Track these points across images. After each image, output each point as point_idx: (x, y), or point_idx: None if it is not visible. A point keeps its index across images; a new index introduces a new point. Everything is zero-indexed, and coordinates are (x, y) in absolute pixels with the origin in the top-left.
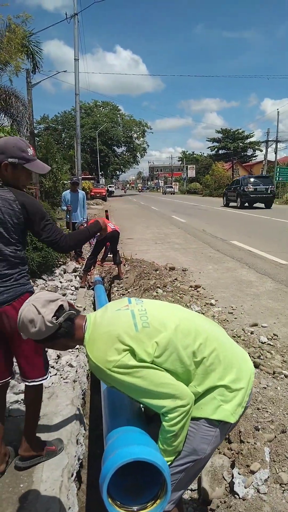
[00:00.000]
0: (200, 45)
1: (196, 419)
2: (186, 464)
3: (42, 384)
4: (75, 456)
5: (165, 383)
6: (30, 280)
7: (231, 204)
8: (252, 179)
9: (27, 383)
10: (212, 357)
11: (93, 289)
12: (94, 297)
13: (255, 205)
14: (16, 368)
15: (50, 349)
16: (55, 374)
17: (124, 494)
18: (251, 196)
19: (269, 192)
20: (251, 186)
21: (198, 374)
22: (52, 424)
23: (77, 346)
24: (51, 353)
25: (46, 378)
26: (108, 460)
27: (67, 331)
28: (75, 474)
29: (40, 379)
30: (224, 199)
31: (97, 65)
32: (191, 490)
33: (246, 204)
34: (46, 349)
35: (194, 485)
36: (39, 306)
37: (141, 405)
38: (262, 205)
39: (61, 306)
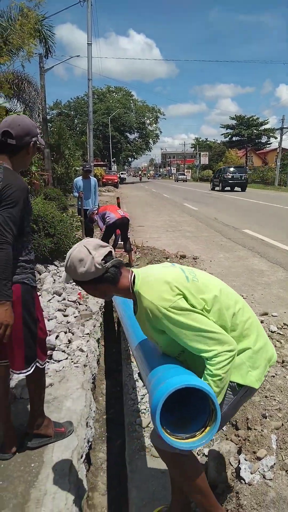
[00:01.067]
0: (215, 29)
1: None
2: None
3: (37, 373)
4: (85, 438)
5: (214, 328)
6: (31, 272)
7: (216, 188)
8: (231, 169)
9: (12, 373)
10: (248, 323)
11: None
12: None
13: (235, 189)
14: None
15: (90, 295)
16: (66, 359)
17: (172, 428)
18: (229, 182)
19: (243, 179)
20: (229, 174)
21: (234, 337)
22: (63, 407)
23: (87, 332)
24: (62, 338)
25: (26, 372)
26: (159, 389)
27: (113, 277)
28: (84, 456)
29: (18, 372)
30: (211, 185)
31: (110, 49)
32: None
33: (228, 188)
34: (35, 342)
35: None
36: (90, 248)
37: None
38: (239, 189)
39: (110, 252)
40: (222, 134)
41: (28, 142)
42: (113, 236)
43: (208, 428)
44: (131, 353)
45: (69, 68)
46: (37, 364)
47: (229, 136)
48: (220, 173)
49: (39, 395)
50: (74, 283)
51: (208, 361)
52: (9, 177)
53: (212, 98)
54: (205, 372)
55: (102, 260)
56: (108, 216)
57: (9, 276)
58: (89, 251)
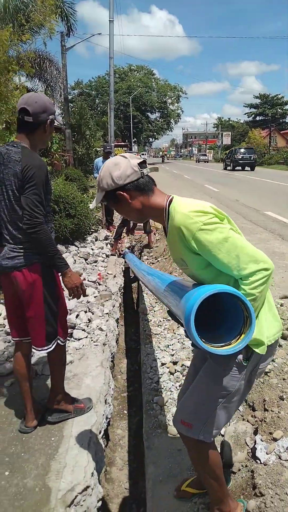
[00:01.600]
0: (240, 4)
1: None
2: (216, 401)
3: (58, 349)
4: (103, 415)
5: (250, 246)
6: None
7: (227, 168)
8: (241, 150)
9: (34, 349)
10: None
11: (123, 257)
12: (125, 265)
13: (245, 168)
14: None
15: (123, 214)
16: (86, 337)
17: (206, 338)
18: (239, 161)
19: (252, 159)
20: (240, 155)
21: None
22: (82, 384)
23: (106, 312)
24: (83, 317)
25: (47, 349)
26: (193, 297)
27: (147, 184)
28: (103, 432)
29: (39, 349)
30: (223, 164)
31: (132, 27)
32: None
33: (238, 168)
34: (57, 319)
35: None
36: (127, 155)
37: None
38: (249, 168)
39: (145, 161)
40: (245, 114)
41: (45, 120)
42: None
43: (243, 335)
44: (149, 319)
45: (90, 46)
46: (58, 341)
47: (253, 115)
48: (231, 153)
49: (59, 372)
50: (105, 203)
51: (242, 281)
52: (27, 157)
53: (235, 76)
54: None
55: (138, 164)
56: None
57: (57, 250)
58: (125, 156)
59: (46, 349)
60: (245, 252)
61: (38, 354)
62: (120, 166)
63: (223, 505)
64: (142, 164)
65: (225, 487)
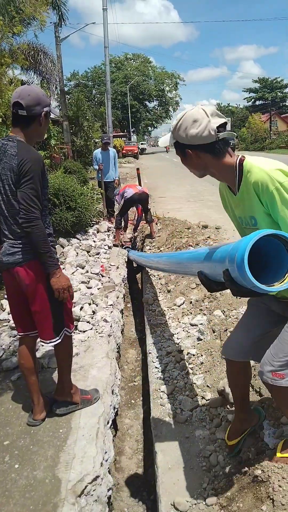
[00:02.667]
0: None
1: None
2: None
3: (66, 341)
4: (111, 405)
5: None
6: (51, 245)
7: None
8: None
9: (41, 342)
10: None
11: (127, 250)
12: (128, 258)
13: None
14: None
15: (186, 164)
16: (91, 329)
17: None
18: None
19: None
20: None
21: None
22: (88, 375)
23: (110, 304)
24: (87, 309)
25: (55, 342)
26: (243, 243)
27: (219, 150)
28: (110, 422)
29: (48, 342)
30: None
31: (126, 15)
32: (222, 439)
33: None
34: (63, 311)
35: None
36: (208, 111)
37: None
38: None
39: (225, 124)
40: (244, 99)
41: (39, 112)
42: (136, 216)
43: None
44: (154, 309)
45: (85, 36)
46: (66, 332)
47: (252, 100)
48: None
49: (67, 363)
50: (172, 146)
51: None
52: (23, 151)
53: (233, 61)
54: None
55: (218, 127)
56: (126, 192)
57: (49, 248)
58: (207, 114)
59: (55, 341)
60: None
61: (44, 347)
62: (199, 124)
63: None
64: (222, 127)
65: None
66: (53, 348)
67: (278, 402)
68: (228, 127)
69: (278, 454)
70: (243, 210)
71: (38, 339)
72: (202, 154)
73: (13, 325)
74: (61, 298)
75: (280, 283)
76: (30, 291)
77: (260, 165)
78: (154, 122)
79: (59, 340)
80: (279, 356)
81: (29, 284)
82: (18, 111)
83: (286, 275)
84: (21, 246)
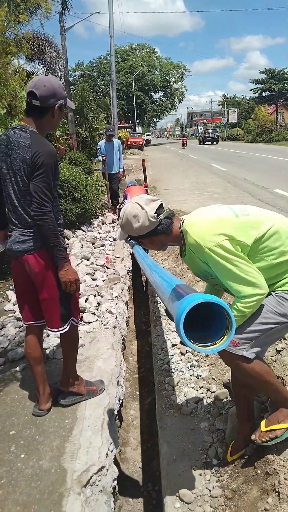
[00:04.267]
0: None
1: None
2: (274, 324)
3: (72, 330)
4: (116, 396)
5: (251, 273)
6: (60, 235)
7: (201, 143)
8: (209, 130)
9: (49, 331)
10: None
11: (132, 247)
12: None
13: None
14: None
15: (148, 248)
16: (96, 320)
17: (196, 340)
18: (207, 138)
19: (215, 136)
20: (207, 134)
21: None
22: (94, 366)
23: (116, 295)
24: (92, 301)
25: (62, 330)
26: (183, 303)
27: (165, 227)
28: (116, 413)
29: (55, 330)
30: (199, 141)
31: (131, 4)
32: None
33: (208, 143)
34: (70, 300)
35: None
36: (142, 203)
37: None
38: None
39: (161, 205)
40: (251, 90)
41: (53, 104)
42: None
43: (225, 336)
44: (157, 297)
45: (90, 26)
46: (72, 321)
47: (259, 91)
48: (203, 133)
49: (72, 354)
50: (129, 239)
51: (238, 297)
52: (36, 143)
53: (240, 52)
54: (233, 305)
55: (154, 213)
56: (126, 200)
57: (59, 241)
58: (142, 206)
59: (62, 330)
60: (245, 276)
61: (49, 338)
62: (139, 218)
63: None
64: (159, 209)
65: (284, 388)
66: (59, 338)
67: (237, 375)
68: (164, 205)
69: (263, 429)
70: (196, 267)
71: (45, 329)
72: (154, 238)
73: (19, 315)
74: (69, 290)
75: (212, 345)
76: (39, 279)
77: (193, 231)
78: (159, 113)
79: (66, 329)
80: (244, 328)
81: (39, 272)
82: (32, 101)
83: (219, 339)
84: (32, 234)
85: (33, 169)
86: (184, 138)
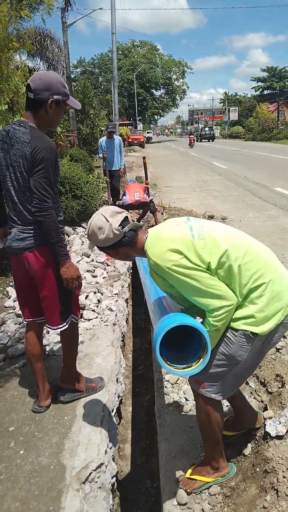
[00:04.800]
0: None
1: (235, 330)
2: (227, 367)
3: (72, 328)
4: (115, 393)
5: (215, 285)
6: (61, 232)
7: (197, 141)
8: (206, 128)
9: (48, 328)
10: (258, 275)
11: None
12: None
13: (203, 141)
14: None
15: (114, 258)
16: (96, 317)
17: (172, 361)
18: (203, 136)
19: (211, 134)
20: (203, 132)
21: (243, 286)
22: (93, 363)
23: (116, 293)
24: (92, 298)
25: (62, 328)
26: (161, 325)
27: (130, 240)
28: (115, 410)
29: (55, 327)
30: (196, 138)
31: (134, 1)
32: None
33: (205, 140)
34: (70, 298)
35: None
36: (107, 215)
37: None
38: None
39: (126, 218)
40: (252, 88)
41: (45, 98)
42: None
43: (201, 359)
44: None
45: (92, 22)
46: (72, 319)
47: (260, 89)
48: (199, 131)
49: (72, 351)
50: (97, 249)
51: (208, 313)
52: (36, 139)
53: (242, 49)
54: (205, 320)
55: (119, 225)
56: (124, 197)
57: (61, 237)
58: (107, 218)
59: (62, 327)
60: (209, 290)
61: (49, 335)
62: (103, 230)
63: (215, 462)
64: (124, 222)
65: (221, 446)
66: (59, 335)
67: (197, 412)
68: (130, 219)
69: (187, 475)
70: (157, 283)
71: (45, 326)
72: (119, 249)
73: (19, 312)
74: (70, 287)
75: (188, 367)
76: (39, 276)
77: (152, 251)
78: (160, 110)
79: (66, 327)
80: (206, 369)
81: (38, 269)
82: (28, 93)
83: (196, 361)
84: (32, 232)
85: (33, 165)
86: (192, 136)
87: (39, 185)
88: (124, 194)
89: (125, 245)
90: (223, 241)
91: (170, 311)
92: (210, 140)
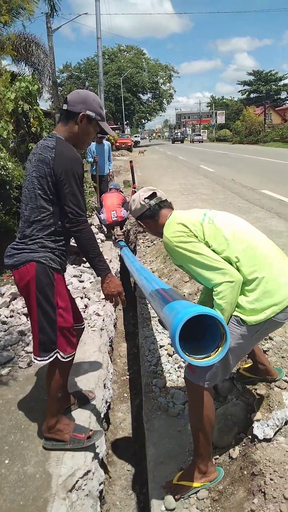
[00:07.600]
0: None
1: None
2: None
3: (56, 364)
4: (103, 399)
5: (218, 260)
6: (50, 250)
7: (171, 143)
8: (178, 133)
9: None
10: (253, 269)
11: (120, 248)
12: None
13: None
14: None
15: (147, 232)
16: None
17: (190, 352)
18: (176, 138)
19: (181, 137)
20: (176, 135)
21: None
22: (80, 369)
23: (103, 297)
24: (79, 303)
25: (41, 360)
26: (180, 315)
27: (152, 213)
28: (103, 416)
29: (35, 357)
30: (171, 140)
31: (119, 5)
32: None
33: (177, 142)
34: (53, 328)
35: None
36: (142, 192)
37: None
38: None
39: (154, 193)
40: (239, 91)
41: (78, 110)
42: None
43: (220, 348)
44: (147, 302)
45: (77, 27)
46: (58, 355)
47: (246, 93)
48: (173, 134)
49: (54, 392)
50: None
51: (213, 292)
52: (61, 146)
53: (227, 53)
54: (213, 303)
55: (146, 198)
56: (102, 213)
57: (99, 251)
58: (139, 194)
59: (41, 360)
60: (213, 264)
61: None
62: (135, 201)
63: (202, 464)
64: (151, 196)
65: (210, 448)
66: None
67: (189, 401)
68: (160, 195)
69: (175, 481)
70: (173, 261)
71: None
72: (145, 221)
73: (4, 319)
74: (113, 304)
75: (206, 357)
76: (24, 296)
77: (166, 229)
78: (148, 114)
79: (47, 361)
80: None
81: (21, 290)
82: (63, 105)
83: (213, 352)
84: (21, 248)
85: (59, 178)
86: (181, 138)
87: (71, 197)
88: (101, 208)
89: (149, 218)
90: (228, 232)
91: (171, 298)
92: (180, 142)
